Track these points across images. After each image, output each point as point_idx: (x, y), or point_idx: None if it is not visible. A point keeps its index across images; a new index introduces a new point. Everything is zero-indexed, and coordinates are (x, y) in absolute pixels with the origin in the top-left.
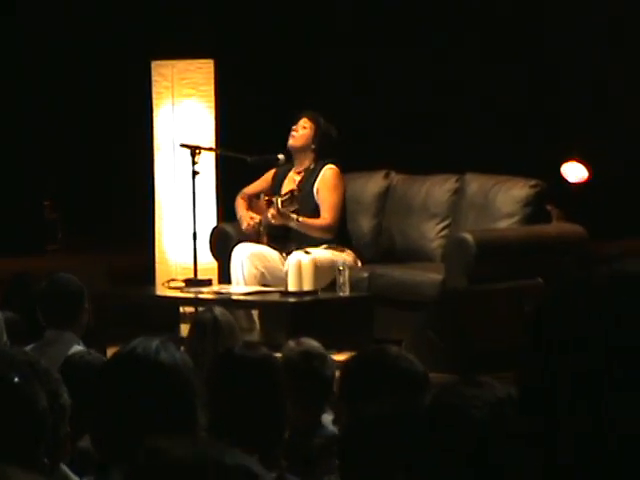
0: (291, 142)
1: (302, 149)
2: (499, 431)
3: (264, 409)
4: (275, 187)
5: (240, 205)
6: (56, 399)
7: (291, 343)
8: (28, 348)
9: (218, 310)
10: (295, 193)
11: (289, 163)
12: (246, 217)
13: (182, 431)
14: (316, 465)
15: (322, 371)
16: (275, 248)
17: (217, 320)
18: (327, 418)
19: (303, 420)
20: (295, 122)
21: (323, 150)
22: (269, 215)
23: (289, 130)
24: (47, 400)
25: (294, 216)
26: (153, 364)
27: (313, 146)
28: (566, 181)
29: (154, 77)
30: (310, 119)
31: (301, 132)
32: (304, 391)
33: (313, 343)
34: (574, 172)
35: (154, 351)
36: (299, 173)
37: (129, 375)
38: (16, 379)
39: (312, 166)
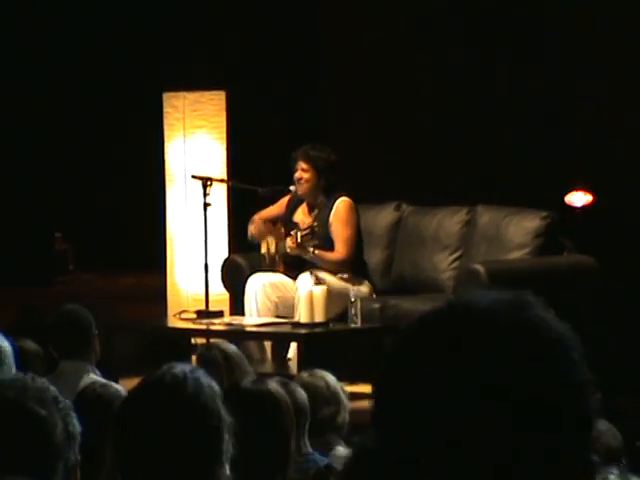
0: (300, 192)
1: (312, 193)
2: None
3: (267, 443)
4: (287, 215)
5: (257, 224)
6: (66, 426)
7: (304, 374)
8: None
9: (223, 345)
10: (315, 229)
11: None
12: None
13: (209, 461)
14: None
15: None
16: (291, 277)
17: (227, 355)
18: (340, 450)
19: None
20: (293, 165)
21: (330, 180)
22: (287, 245)
23: (291, 173)
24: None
25: (310, 249)
26: (181, 393)
27: (321, 182)
28: (573, 208)
29: (166, 108)
30: (306, 161)
31: (304, 177)
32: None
33: (322, 374)
34: (579, 201)
35: (182, 380)
36: (312, 208)
37: (156, 404)
38: (34, 407)
39: (325, 200)
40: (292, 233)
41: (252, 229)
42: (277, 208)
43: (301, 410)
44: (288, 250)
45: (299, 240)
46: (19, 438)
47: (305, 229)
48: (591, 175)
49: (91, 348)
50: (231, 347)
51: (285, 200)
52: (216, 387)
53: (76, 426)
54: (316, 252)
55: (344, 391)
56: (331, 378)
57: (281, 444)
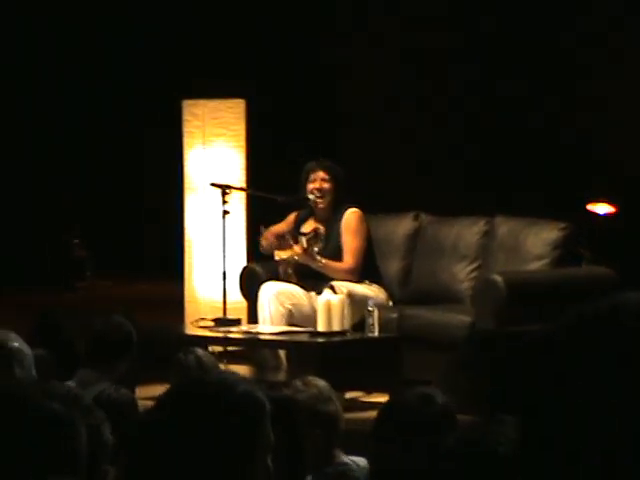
0: (322, 205)
1: (330, 205)
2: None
3: (283, 450)
4: (295, 230)
5: (266, 236)
6: (99, 435)
7: (297, 382)
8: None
9: (200, 351)
10: (319, 231)
11: (309, 207)
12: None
13: (239, 468)
14: None
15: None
16: (304, 287)
17: (201, 361)
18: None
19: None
20: (306, 177)
21: (342, 195)
22: (294, 252)
23: (304, 179)
24: (88, 435)
25: (319, 258)
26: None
27: (338, 193)
28: (595, 215)
29: (185, 116)
30: (327, 171)
31: (325, 187)
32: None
33: (315, 382)
34: (601, 211)
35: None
36: (320, 221)
37: (189, 416)
38: (56, 408)
39: (333, 212)
40: (299, 240)
41: (263, 242)
42: (285, 225)
43: (331, 420)
44: (296, 258)
45: (304, 245)
46: (41, 440)
47: (309, 233)
48: (615, 189)
49: (120, 367)
50: (207, 355)
51: (292, 217)
52: (264, 400)
53: (108, 437)
54: (323, 261)
55: (338, 398)
56: (324, 385)
57: (294, 453)
